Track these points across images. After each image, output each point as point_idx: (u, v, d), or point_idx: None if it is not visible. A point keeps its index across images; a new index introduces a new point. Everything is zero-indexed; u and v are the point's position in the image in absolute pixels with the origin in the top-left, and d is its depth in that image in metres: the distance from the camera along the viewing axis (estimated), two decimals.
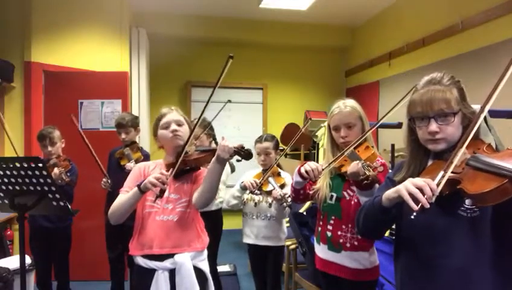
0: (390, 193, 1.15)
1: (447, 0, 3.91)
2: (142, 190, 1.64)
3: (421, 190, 1.03)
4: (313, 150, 5.26)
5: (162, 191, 1.60)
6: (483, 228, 1.10)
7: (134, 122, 3.03)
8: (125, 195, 1.71)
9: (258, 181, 2.38)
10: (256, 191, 2.38)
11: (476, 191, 0.99)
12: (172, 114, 1.81)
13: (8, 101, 3.83)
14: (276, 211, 2.48)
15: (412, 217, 1.02)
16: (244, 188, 2.47)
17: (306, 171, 1.72)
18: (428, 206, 1.01)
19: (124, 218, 1.72)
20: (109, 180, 2.87)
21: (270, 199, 2.48)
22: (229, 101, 2.04)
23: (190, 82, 5.77)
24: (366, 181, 1.57)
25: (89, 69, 4.07)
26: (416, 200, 1.03)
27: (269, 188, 2.39)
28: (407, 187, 1.06)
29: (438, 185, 1.03)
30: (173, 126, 1.77)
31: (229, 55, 1.51)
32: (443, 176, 1.05)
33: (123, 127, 2.95)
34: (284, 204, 2.26)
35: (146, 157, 2.98)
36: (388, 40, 4.88)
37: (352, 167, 1.61)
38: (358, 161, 1.60)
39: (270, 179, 2.40)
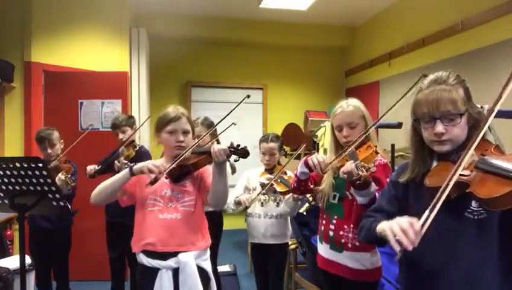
0: (381, 227, 1.16)
1: (447, 0, 3.90)
2: (133, 172, 1.67)
3: (406, 233, 1.01)
4: (313, 150, 5.26)
5: (156, 180, 1.62)
6: (490, 230, 1.09)
7: (129, 122, 3.02)
8: (112, 178, 1.73)
9: (250, 199, 2.44)
10: (254, 201, 2.45)
11: (487, 195, 0.95)
12: (181, 122, 1.78)
13: (8, 101, 3.83)
14: (282, 210, 2.50)
15: (396, 257, 1.02)
16: (238, 204, 2.48)
17: (313, 164, 1.72)
18: (410, 249, 0.99)
19: (107, 201, 1.76)
20: (97, 168, 2.85)
21: (278, 198, 2.50)
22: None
23: (190, 82, 5.76)
24: (358, 181, 1.57)
25: (89, 69, 4.07)
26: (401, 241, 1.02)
27: (285, 188, 2.39)
28: (392, 228, 1.06)
29: (422, 225, 1.01)
30: (179, 137, 1.77)
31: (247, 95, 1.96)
32: (447, 184, 1.02)
33: (118, 128, 2.97)
34: (304, 198, 2.32)
35: (146, 154, 2.99)
36: (388, 40, 4.87)
37: (346, 167, 1.60)
38: (351, 161, 1.60)
39: (283, 179, 2.41)
